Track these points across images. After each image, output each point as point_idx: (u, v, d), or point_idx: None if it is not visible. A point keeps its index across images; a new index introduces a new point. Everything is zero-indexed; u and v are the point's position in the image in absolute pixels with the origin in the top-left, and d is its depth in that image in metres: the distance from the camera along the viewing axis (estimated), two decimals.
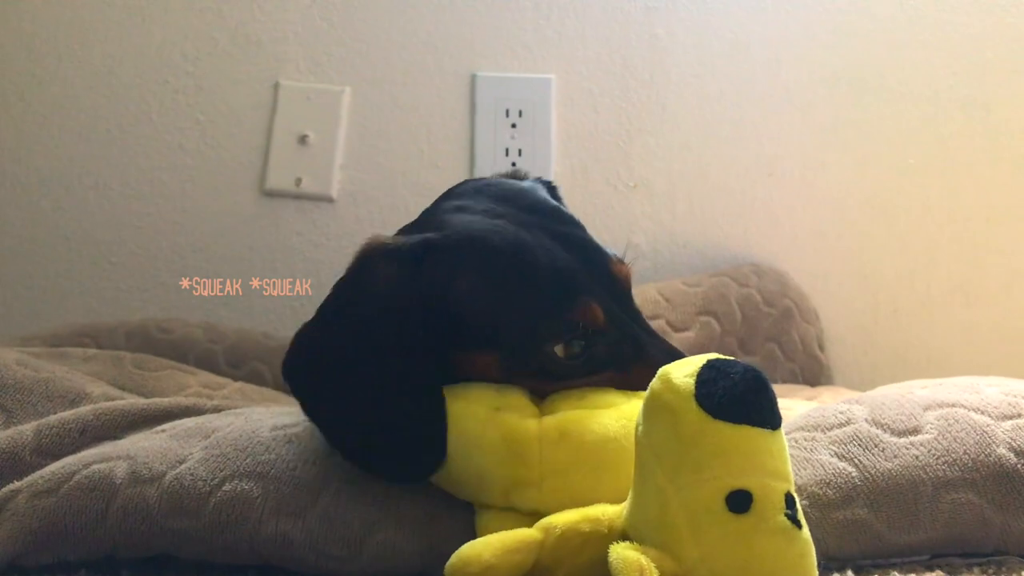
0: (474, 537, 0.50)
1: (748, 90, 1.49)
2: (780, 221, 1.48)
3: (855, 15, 1.48)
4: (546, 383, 0.59)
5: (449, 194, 0.69)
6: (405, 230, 0.66)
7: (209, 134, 1.46)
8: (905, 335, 1.47)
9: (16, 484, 0.55)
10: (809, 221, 1.48)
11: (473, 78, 1.48)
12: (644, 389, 0.49)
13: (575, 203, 0.77)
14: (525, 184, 0.70)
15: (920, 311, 1.48)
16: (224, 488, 0.52)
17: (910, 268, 1.47)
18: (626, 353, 0.60)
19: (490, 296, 0.59)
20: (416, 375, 0.56)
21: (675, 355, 0.59)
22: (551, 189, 0.73)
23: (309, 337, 0.61)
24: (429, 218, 0.66)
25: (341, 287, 0.62)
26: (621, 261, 0.65)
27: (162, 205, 1.45)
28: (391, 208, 1.47)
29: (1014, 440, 0.57)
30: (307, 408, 0.57)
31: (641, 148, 1.47)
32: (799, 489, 0.56)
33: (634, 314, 0.64)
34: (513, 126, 1.47)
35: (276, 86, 1.47)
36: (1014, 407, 0.60)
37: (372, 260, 0.61)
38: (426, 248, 0.60)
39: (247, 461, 0.53)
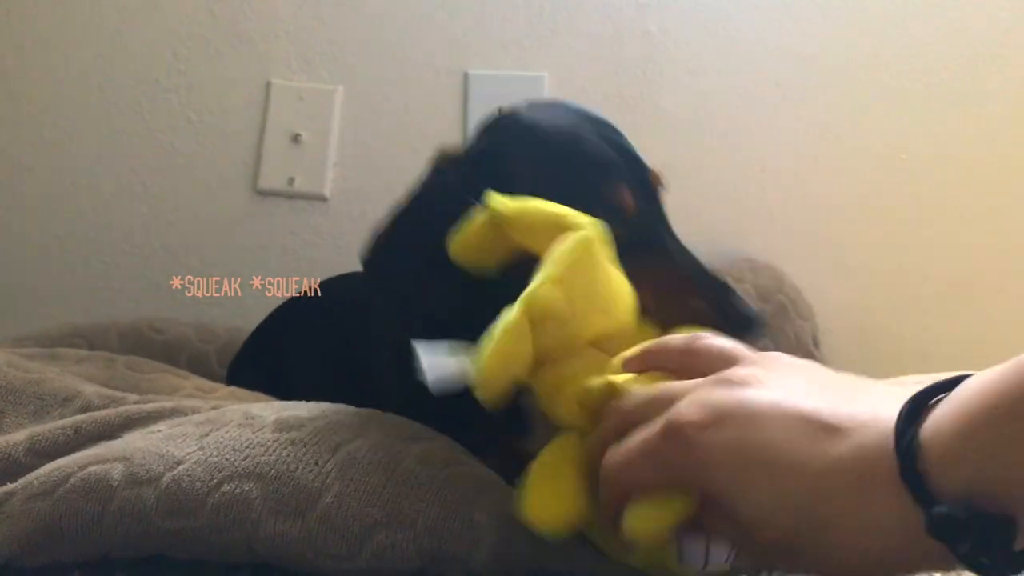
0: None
1: (741, 86, 1.49)
2: (774, 217, 1.48)
3: (848, 11, 1.49)
4: None
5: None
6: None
7: (201, 134, 1.46)
8: (900, 330, 1.48)
9: (10, 486, 0.54)
10: (803, 217, 1.48)
11: (466, 76, 1.48)
12: (654, 280, 0.59)
13: None
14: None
15: (915, 306, 1.48)
16: (222, 489, 0.52)
17: (904, 263, 1.48)
18: (644, 243, 0.66)
19: (538, 178, 0.65)
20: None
21: (688, 255, 0.67)
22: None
23: (384, 232, 0.71)
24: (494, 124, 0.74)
25: (413, 192, 0.72)
26: (656, 173, 0.72)
27: (155, 205, 1.45)
28: (385, 206, 1.44)
29: None
30: (376, 286, 0.70)
31: (634, 145, 1.47)
32: None
33: (661, 216, 0.71)
34: None
35: (268, 85, 1.46)
36: None
37: (439, 168, 0.71)
38: (484, 152, 0.70)
39: (246, 463, 0.53)
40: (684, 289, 0.66)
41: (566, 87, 1.48)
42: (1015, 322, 1.46)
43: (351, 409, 0.60)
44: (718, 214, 1.48)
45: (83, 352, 0.99)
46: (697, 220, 1.48)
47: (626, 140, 0.73)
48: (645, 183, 0.71)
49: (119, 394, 0.68)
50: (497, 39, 1.48)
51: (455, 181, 0.68)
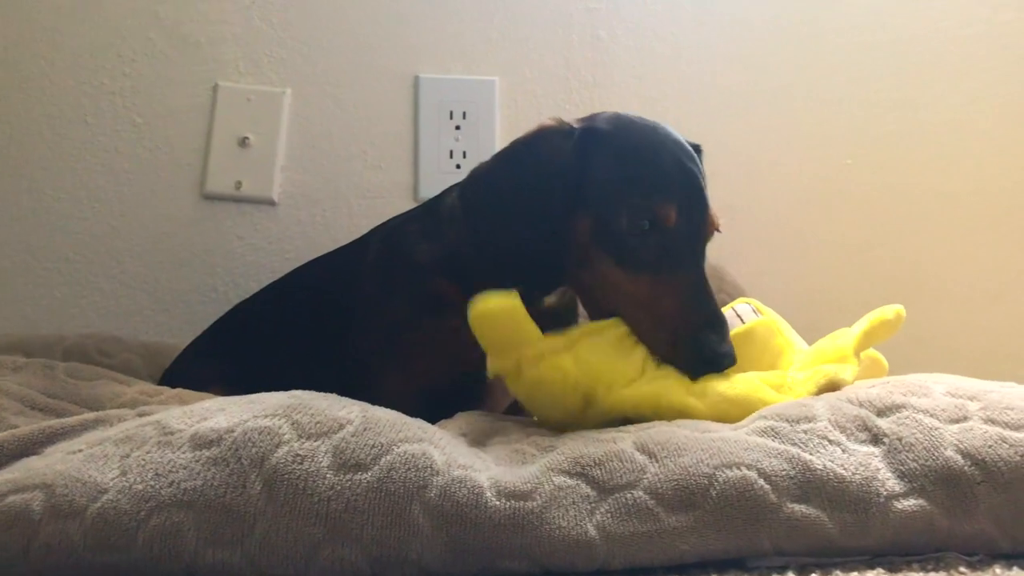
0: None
1: (689, 92, 1.50)
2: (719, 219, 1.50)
3: (792, 22, 1.51)
4: (609, 267, 0.76)
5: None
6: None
7: (146, 137, 1.43)
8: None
9: None
10: (748, 219, 1.49)
11: (416, 80, 1.47)
12: (668, 302, 0.73)
13: None
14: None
15: (860, 309, 1.49)
16: (152, 522, 0.50)
17: (848, 266, 1.50)
18: (669, 264, 0.75)
19: (610, 167, 0.78)
20: (555, 224, 0.77)
21: (703, 287, 0.76)
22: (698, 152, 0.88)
23: (485, 175, 0.83)
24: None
25: (516, 146, 0.83)
26: (714, 216, 0.81)
27: (98, 209, 1.42)
28: (334, 210, 1.45)
29: (961, 442, 0.59)
30: (471, 227, 0.82)
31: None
32: (762, 473, 0.56)
33: (700, 253, 0.80)
34: (457, 128, 1.47)
35: (215, 87, 1.44)
36: (960, 409, 0.62)
37: (548, 133, 0.81)
38: (590, 133, 0.80)
39: (171, 490, 0.51)
40: (677, 318, 0.74)
41: (517, 91, 1.48)
42: (958, 322, 1.50)
43: (267, 404, 0.58)
44: None
45: (21, 359, 0.96)
46: None
47: (699, 171, 0.82)
48: (695, 211, 0.79)
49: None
50: (448, 43, 1.48)
51: (557, 153, 0.79)
